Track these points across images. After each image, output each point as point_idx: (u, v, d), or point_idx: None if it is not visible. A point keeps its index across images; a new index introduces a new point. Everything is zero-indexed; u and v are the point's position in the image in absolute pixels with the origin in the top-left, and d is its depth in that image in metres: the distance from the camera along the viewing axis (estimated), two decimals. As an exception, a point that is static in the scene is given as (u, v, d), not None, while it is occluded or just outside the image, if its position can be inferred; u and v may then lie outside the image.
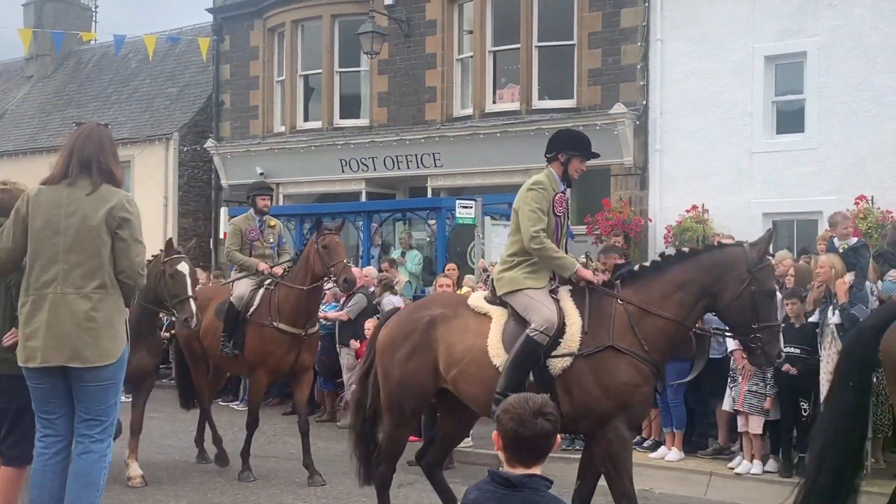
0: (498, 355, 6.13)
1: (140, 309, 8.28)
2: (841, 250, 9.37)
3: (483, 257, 13.41)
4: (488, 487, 3.23)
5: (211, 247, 21.55)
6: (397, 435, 6.69)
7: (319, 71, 19.62)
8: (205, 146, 21.31)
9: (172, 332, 15.53)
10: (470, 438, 10.25)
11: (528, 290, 6.17)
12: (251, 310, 9.04)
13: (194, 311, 8.15)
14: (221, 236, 20.07)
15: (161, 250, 8.57)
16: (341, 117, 19.60)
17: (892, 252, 10.37)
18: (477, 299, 6.63)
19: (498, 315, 6.31)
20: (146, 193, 21.35)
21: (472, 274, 13.14)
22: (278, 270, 9.28)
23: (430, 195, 17.93)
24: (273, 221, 9.82)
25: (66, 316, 5.08)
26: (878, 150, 13.90)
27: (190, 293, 8.21)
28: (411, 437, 10.96)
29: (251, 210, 9.70)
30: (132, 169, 22.22)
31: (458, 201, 14.50)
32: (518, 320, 6.15)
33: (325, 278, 8.92)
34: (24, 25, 25.85)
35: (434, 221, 15.41)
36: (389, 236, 17.25)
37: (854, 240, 9.83)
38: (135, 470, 8.40)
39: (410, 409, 6.66)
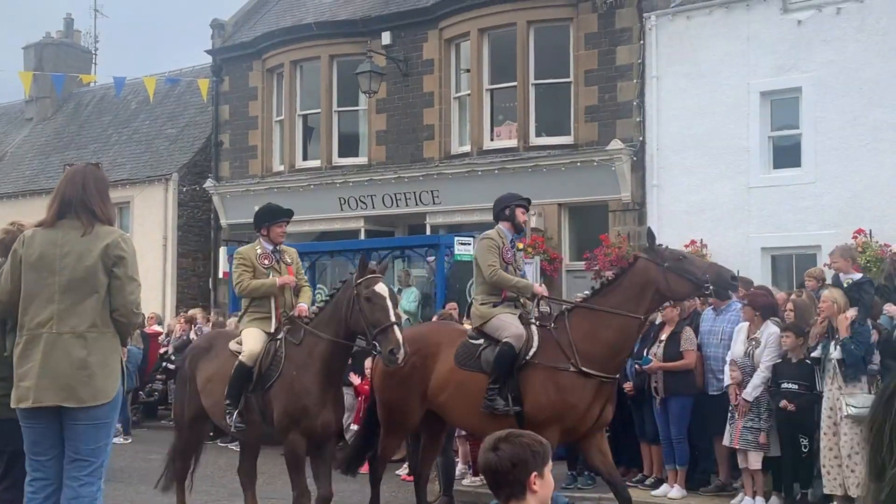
0: None
1: (330, 347, 7.13)
2: (845, 285, 9.34)
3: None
4: (485, 527, 3.20)
5: (210, 286, 21.52)
6: None
7: (318, 110, 19.71)
8: (204, 186, 21.37)
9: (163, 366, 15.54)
10: (480, 478, 10.18)
11: None
12: (531, 351, 7.32)
13: (400, 341, 6.71)
14: (221, 276, 20.08)
15: (350, 273, 7.43)
16: (340, 156, 19.67)
17: (887, 286, 10.35)
18: None
19: None
20: (145, 234, 21.40)
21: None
22: (544, 290, 7.80)
23: (428, 232, 17.95)
24: (521, 244, 8.26)
25: (60, 356, 5.06)
26: (875, 184, 13.93)
27: (393, 319, 6.84)
28: (409, 477, 10.86)
29: (501, 225, 7.90)
30: (132, 209, 22.29)
31: (456, 238, 14.52)
32: None
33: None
34: (25, 68, 26.06)
35: (433, 258, 15.40)
36: (388, 274, 17.22)
37: (858, 275, 9.80)
38: None
39: None
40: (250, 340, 7.37)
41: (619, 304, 7.24)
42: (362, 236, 18.90)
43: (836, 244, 11.65)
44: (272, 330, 7.46)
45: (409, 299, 15.00)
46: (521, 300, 7.68)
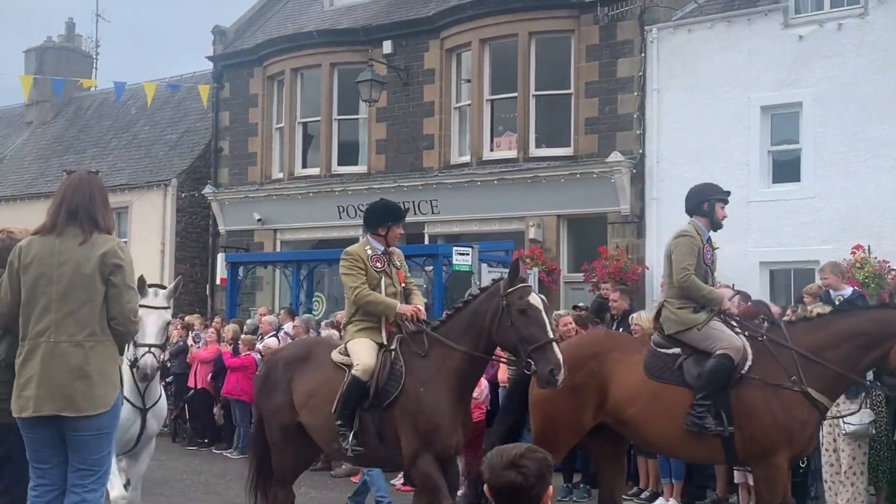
0: None
1: (465, 360, 6.44)
2: (836, 301, 9.31)
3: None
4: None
5: (207, 293, 21.48)
6: None
7: (318, 118, 19.72)
8: (203, 192, 21.36)
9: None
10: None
11: None
12: (746, 364, 6.59)
13: (561, 361, 6.04)
14: (219, 282, 20.05)
15: (493, 281, 6.68)
16: (339, 164, 19.67)
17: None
18: None
19: None
20: (143, 239, 21.40)
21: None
22: (733, 306, 6.96)
23: (427, 242, 17.94)
24: (716, 244, 7.33)
25: (59, 365, 5.05)
26: (875, 200, 13.94)
27: (551, 335, 6.19)
28: (405, 487, 10.85)
29: (698, 221, 7.15)
30: (130, 215, 22.28)
31: (454, 248, 14.49)
32: None
33: None
34: (25, 72, 26.05)
35: (431, 268, 15.37)
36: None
37: (849, 290, 9.76)
38: None
39: None
40: (363, 353, 6.61)
41: (836, 340, 6.53)
42: (360, 245, 18.84)
43: (834, 259, 11.67)
44: (383, 341, 6.69)
45: (407, 309, 14.98)
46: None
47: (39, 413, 5.02)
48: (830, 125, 14.32)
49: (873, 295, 12.29)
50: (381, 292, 6.74)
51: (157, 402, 7.50)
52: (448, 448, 6.42)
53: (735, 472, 8.96)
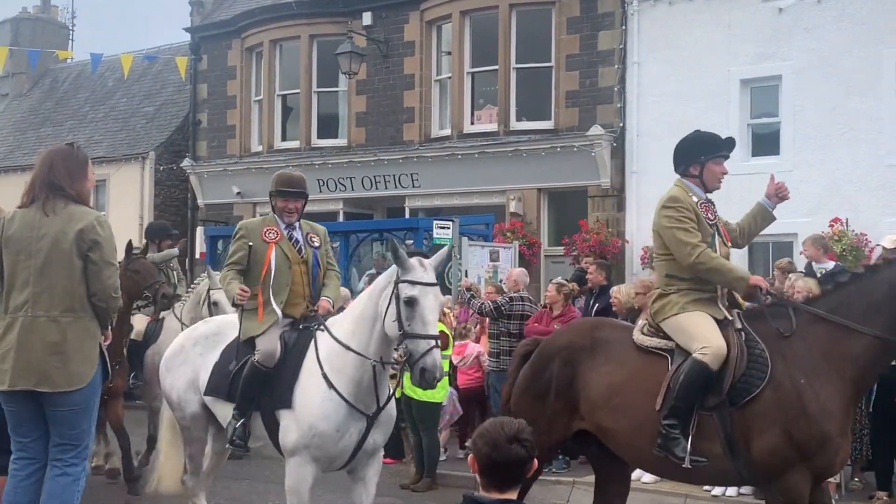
0: None
1: (872, 348, 4.92)
2: (818, 274, 9.37)
3: (466, 276, 13.35)
4: (463, 512, 3.19)
5: (186, 267, 21.37)
6: None
7: (297, 91, 19.60)
8: (181, 165, 21.22)
9: None
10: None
11: None
12: None
13: None
14: (198, 256, 19.97)
15: (876, 247, 5.21)
16: (319, 137, 19.58)
17: None
18: None
19: None
20: (121, 212, 21.23)
21: (450, 294, 13.08)
22: None
23: (407, 215, 17.93)
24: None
25: (35, 340, 5.05)
26: (853, 173, 14.03)
27: None
28: (387, 460, 10.91)
29: None
30: (108, 188, 22.10)
31: (435, 222, 14.47)
32: None
33: None
34: (0, 43, 25.69)
35: (411, 242, 15.36)
36: (366, 256, 17.21)
37: (831, 264, 9.85)
38: None
39: None
40: (707, 332, 5.07)
41: None
42: (341, 218, 18.84)
43: (813, 232, 11.75)
44: (725, 315, 5.24)
45: (390, 281, 14.99)
46: None
47: (15, 387, 5.04)
48: (809, 98, 14.37)
49: (851, 268, 12.39)
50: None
51: (384, 405, 5.54)
52: (833, 466, 5.03)
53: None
